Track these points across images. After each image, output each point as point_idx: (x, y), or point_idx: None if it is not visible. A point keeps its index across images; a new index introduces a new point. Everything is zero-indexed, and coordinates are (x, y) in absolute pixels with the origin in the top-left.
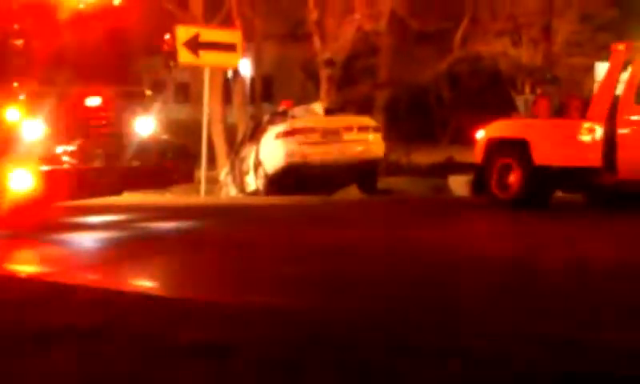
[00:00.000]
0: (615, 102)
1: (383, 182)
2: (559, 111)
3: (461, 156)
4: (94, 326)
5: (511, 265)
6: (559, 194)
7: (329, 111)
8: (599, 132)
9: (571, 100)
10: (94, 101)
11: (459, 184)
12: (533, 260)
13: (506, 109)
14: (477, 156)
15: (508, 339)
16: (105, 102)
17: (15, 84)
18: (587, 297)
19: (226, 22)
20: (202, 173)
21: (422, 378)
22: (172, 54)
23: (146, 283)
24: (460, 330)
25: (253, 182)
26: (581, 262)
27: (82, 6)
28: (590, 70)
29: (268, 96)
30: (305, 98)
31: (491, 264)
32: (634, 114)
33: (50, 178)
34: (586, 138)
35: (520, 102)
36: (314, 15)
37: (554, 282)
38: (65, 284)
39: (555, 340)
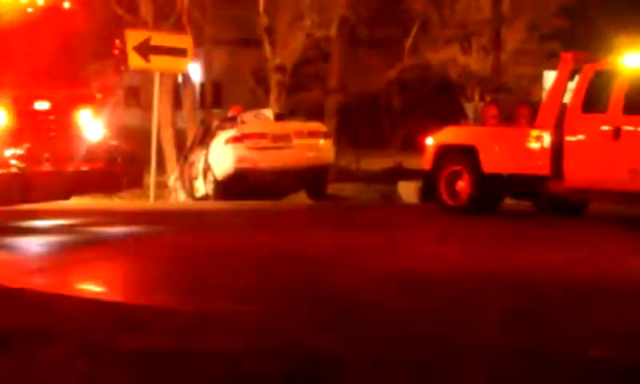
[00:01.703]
0: (563, 110)
1: (333, 188)
2: (508, 119)
3: (410, 162)
4: (39, 330)
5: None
6: (508, 201)
7: (279, 116)
8: (547, 140)
9: (519, 108)
10: (43, 104)
11: (409, 190)
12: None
13: (455, 116)
14: (426, 163)
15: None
16: (54, 105)
17: None
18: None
19: (176, 28)
20: (152, 178)
21: None
22: (122, 59)
23: (92, 288)
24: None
25: (202, 187)
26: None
27: (30, 9)
28: (538, 78)
29: (218, 101)
30: (255, 104)
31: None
32: (581, 122)
33: None
34: (534, 145)
35: (469, 109)
36: (264, 21)
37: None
38: (10, 288)
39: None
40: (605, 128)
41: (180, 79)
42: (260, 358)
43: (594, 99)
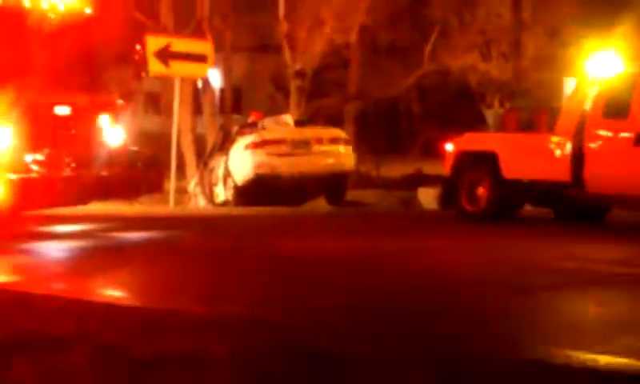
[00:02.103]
0: (583, 116)
1: (352, 194)
2: (528, 125)
3: (430, 169)
4: (61, 336)
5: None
6: (528, 207)
7: (298, 123)
8: (567, 146)
9: (540, 114)
10: (63, 110)
11: (428, 197)
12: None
13: (474, 122)
14: (446, 169)
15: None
16: (74, 111)
17: None
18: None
19: (196, 34)
20: (172, 183)
21: None
22: (142, 64)
23: (114, 293)
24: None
25: (222, 193)
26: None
27: (52, 15)
28: (558, 84)
29: (237, 107)
30: (274, 110)
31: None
32: (601, 129)
33: (18, 187)
34: (554, 152)
35: (489, 115)
36: (284, 27)
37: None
38: (32, 293)
39: None
40: (625, 134)
41: (200, 85)
42: (274, 361)
43: (614, 105)
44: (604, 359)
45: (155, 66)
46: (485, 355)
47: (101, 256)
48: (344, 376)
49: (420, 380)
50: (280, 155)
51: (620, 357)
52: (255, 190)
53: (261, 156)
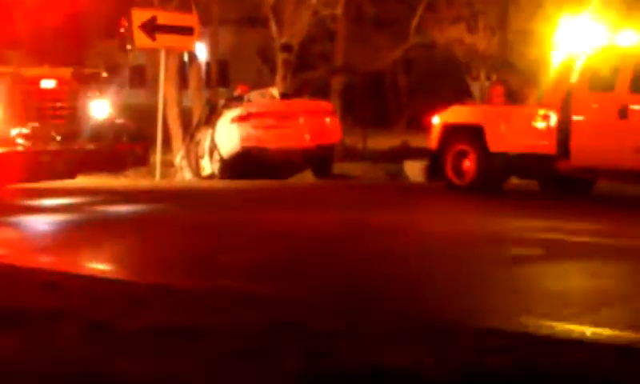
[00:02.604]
0: (570, 89)
1: (339, 167)
2: (514, 98)
3: (416, 141)
4: (47, 308)
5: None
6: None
7: (285, 96)
8: (554, 119)
9: (525, 87)
10: (49, 83)
11: (415, 169)
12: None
13: (461, 95)
14: (432, 142)
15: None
16: (60, 84)
17: None
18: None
19: (182, 7)
20: (157, 156)
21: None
22: (128, 37)
23: (99, 266)
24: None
25: (208, 166)
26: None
27: None
28: (545, 57)
29: (224, 81)
30: (261, 83)
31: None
32: (588, 101)
33: (3, 160)
34: (540, 124)
35: (475, 88)
36: (270, 0)
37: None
38: (17, 267)
39: None
40: (611, 107)
41: (186, 58)
42: (263, 336)
43: (600, 78)
44: (590, 330)
45: (141, 39)
46: (468, 327)
47: (87, 230)
48: (330, 351)
49: (409, 351)
50: (266, 128)
51: (606, 328)
52: (241, 163)
53: (247, 129)
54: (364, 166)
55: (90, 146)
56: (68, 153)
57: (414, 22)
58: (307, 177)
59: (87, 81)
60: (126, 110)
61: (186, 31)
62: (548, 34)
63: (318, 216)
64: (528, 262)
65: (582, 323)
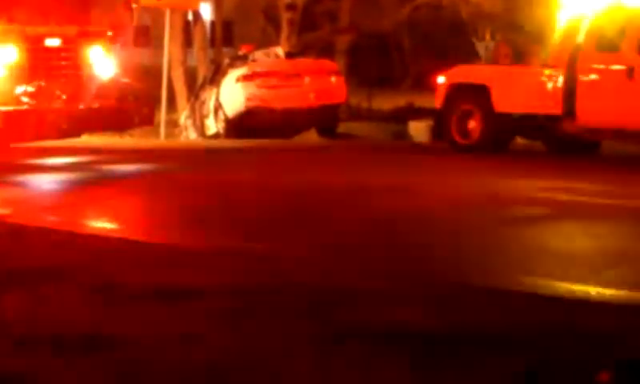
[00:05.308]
0: (576, 49)
1: (343, 127)
2: (519, 58)
3: (421, 101)
4: (52, 267)
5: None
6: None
7: (289, 55)
8: (560, 79)
9: (531, 47)
10: (53, 41)
11: (420, 130)
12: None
13: (466, 55)
14: (437, 102)
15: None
16: (65, 42)
17: None
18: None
19: None
20: (162, 116)
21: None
22: None
23: (104, 225)
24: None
25: (213, 126)
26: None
27: None
28: (552, 17)
29: (228, 40)
30: (266, 43)
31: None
32: (594, 62)
33: (8, 119)
34: (546, 85)
35: (480, 48)
36: None
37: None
38: (23, 225)
39: None
40: (618, 67)
41: (190, 17)
42: (264, 294)
43: (607, 38)
44: (594, 290)
45: None
46: (473, 287)
47: (92, 189)
48: (332, 310)
49: (409, 312)
50: (271, 88)
51: (609, 288)
52: (246, 123)
53: (252, 88)
54: (369, 125)
55: (96, 105)
56: (73, 111)
57: None
58: (312, 136)
59: (92, 39)
60: (131, 69)
61: None
62: None
63: (321, 176)
64: (533, 222)
65: (586, 283)
